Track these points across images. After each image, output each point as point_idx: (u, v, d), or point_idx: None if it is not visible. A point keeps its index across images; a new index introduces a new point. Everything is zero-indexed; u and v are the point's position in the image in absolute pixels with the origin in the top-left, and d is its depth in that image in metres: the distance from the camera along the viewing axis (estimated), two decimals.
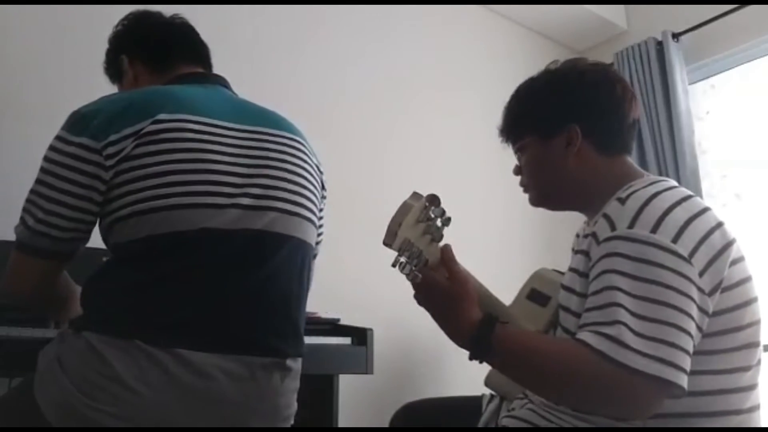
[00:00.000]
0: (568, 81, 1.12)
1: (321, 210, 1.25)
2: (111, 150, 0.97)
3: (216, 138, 1.04)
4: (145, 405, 0.89)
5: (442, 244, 0.94)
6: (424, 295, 0.95)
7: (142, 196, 0.96)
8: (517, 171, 1.18)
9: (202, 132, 1.03)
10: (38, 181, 1.00)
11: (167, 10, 2.02)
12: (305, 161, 1.15)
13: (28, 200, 1.01)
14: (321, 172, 1.24)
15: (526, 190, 1.19)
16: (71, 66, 1.86)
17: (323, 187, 1.24)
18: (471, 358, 0.91)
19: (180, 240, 0.97)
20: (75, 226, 1.00)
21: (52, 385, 0.91)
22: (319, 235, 1.26)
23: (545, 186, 1.14)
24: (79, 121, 1.00)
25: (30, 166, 1.72)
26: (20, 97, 1.77)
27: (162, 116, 1.00)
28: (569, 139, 1.09)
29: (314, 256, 1.27)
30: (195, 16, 2.12)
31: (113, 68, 1.30)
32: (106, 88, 1.89)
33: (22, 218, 1.02)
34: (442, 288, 0.92)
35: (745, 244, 1.01)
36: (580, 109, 1.09)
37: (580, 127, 1.08)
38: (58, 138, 1.00)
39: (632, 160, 1.15)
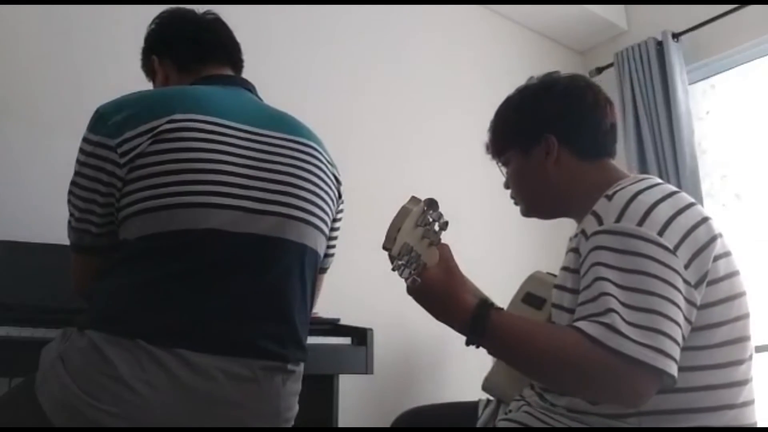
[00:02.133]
0: (539, 94, 1.17)
1: (335, 221, 1.24)
2: (126, 147, 0.98)
3: (227, 139, 1.04)
4: (147, 405, 0.90)
5: (447, 241, 0.95)
6: (421, 296, 0.95)
7: (150, 194, 0.97)
8: (507, 185, 1.24)
9: (213, 132, 1.03)
10: (72, 182, 1.04)
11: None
12: (319, 168, 1.14)
13: (68, 201, 1.06)
14: (339, 183, 1.23)
15: (516, 203, 1.23)
16: (72, 66, 1.87)
17: (340, 197, 1.23)
18: (467, 343, 0.92)
19: (185, 239, 0.97)
20: (108, 220, 1.03)
21: (54, 383, 0.92)
22: (330, 247, 1.25)
23: (531, 197, 1.20)
24: (99, 120, 1.02)
25: (30, 166, 1.73)
26: (21, 99, 1.77)
27: (177, 116, 1.01)
28: (547, 148, 1.13)
29: (323, 270, 1.27)
30: None
31: (147, 67, 1.32)
32: (107, 87, 1.89)
33: (68, 219, 1.08)
34: (438, 282, 0.93)
35: (745, 243, 1.02)
36: (552, 119, 1.14)
37: (557, 136, 1.12)
38: (83, 139, 1.03)
39: (618, 162, 1.18)
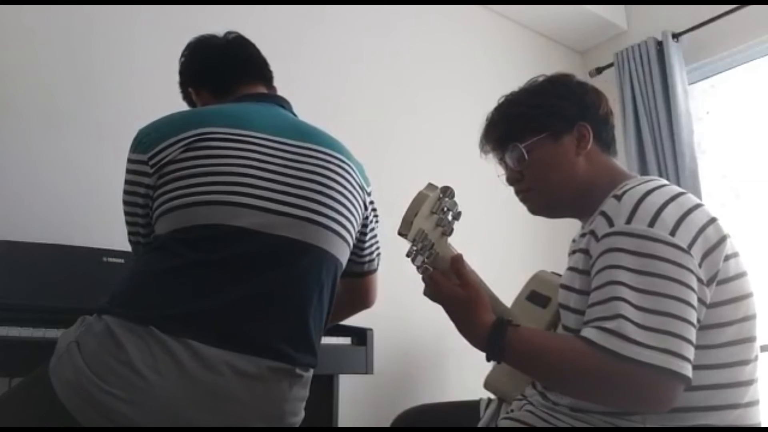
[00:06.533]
0: (571, 86, 1.17)
1: (365, 232, 1.28)
2: (156, 158, 1.06)
3: (253, 147, 1.09)
4: (153, 392, 0.91)
5: (451, 239, 0.96)
6: (434, 292, 0.97)
7: (178, 194, 1.03)
8: (517, 177, 1.15)
9: (240, 141, 1.09)
10: (122, 201, 1.13)
11: (168, 10, 2.03)
12: (346, 179, 1.17)
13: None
14: (368, 193, 1.26)
15: (525, 197, 1.16)
16: (71, 66, 1.86)
17: (366, 208, 1.25)
18: (488, 359, 0.94)
19: (205, 233, 1.02)
20: (151, 230, 1.11)
21: (68, 365, 0.93)
22: (368, 254, 1.31)
23: (556, 186, 1.12)
24: (136, 139, 1.11)
25: (31, 166, 1.72)
26: (23, 97, 1.77)
27: (206, 128, 1.08)
28: (581, 136, 1.11)
29: (372, 272, 1.34)
30: (194, 16, 2.13)
31: (186, 99, 1.40)
32: (105, 88, 1.89)
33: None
34: (454, 293, 0.95)
35: (745, 243, 1.02)
36: (587, 109, 1.13)
37: (591, 127, 1.12)
38: (127, 159, 1.11)
39: (618, 162, 1.19)
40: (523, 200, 1.17)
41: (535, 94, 1.17)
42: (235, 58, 1.32)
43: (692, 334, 0.86)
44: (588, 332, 0.87)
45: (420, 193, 0.91)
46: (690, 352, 0.85)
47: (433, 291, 0.97)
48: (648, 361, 0.82)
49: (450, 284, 0.96)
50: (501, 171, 1.21)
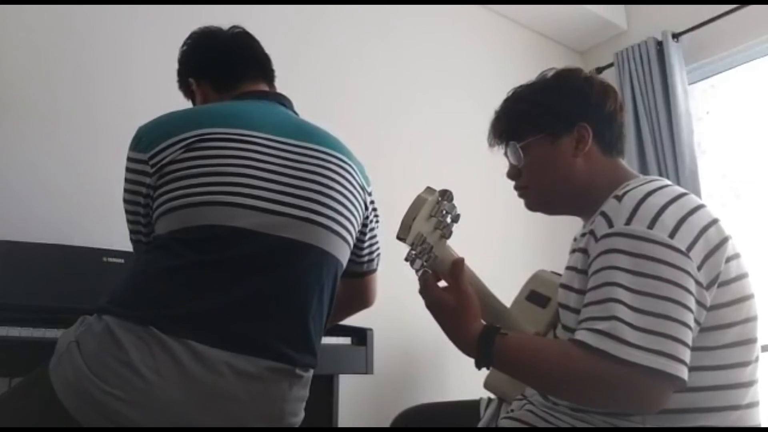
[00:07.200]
0: (577, 83, 1.14)
1: (365, 232, 1.27)
2: (156, 159, 1.06)
3: (254, 147, 1.09)
4: (153, 392, 0.91)
5: (451, 239, 0.96)
6: (428, 296, 0.96)
7: (178, 194, 1.04)
8: (516, 173, 1.16)
9: (240, 141, 1.08)
10: (123, 199, 1.12)
11: (167, 9, 2.03)
12: (346, 179, 1.17)
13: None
14: (368, 194, 1.26)
15: (522, 194, 1.17)
16: (70, 66, 1.86)
17: (366, 208, 1.25)
18: (477, 367, 0.94)
19: (206, 234, 1.02)
20: (152, 230, 1.10)
21: (68, 365, 0.93)
22: (367, 254, 1.31)
23: (551, 187, 1.13)
24: (136, 137, 1.11)
25: (31, 166, 1.72)
26: (22, 98, 1.77)
27: (206, 129, 1.08)
28: (579, 137, 1.10)
29: (372, 271, 1.34)
30: (194, 16, 2.12)
31: (184, 89, 1.38)
32: (105, 88, 1.89)
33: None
34: (442, 300, 0.95)
35: (745, 243, 1.01)
36: (590, 109, 1.11)
37: (592, 128, 1.09)
38: (126, 157, 1.11)
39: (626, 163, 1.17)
40: (521, 196, 1.18)
41: (539, 91, 1.15)
42: (240, 54, 1.30)
43: (688, 336, 0.85)
44: (581, 335, 0.87)
45: (418, 197, 0.91)
46: (685, 354, 0.84)
47: (423, 294, 0.97)
48: (641, 363, 0.82)
49: (439, 290, 0.96)
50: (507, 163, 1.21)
